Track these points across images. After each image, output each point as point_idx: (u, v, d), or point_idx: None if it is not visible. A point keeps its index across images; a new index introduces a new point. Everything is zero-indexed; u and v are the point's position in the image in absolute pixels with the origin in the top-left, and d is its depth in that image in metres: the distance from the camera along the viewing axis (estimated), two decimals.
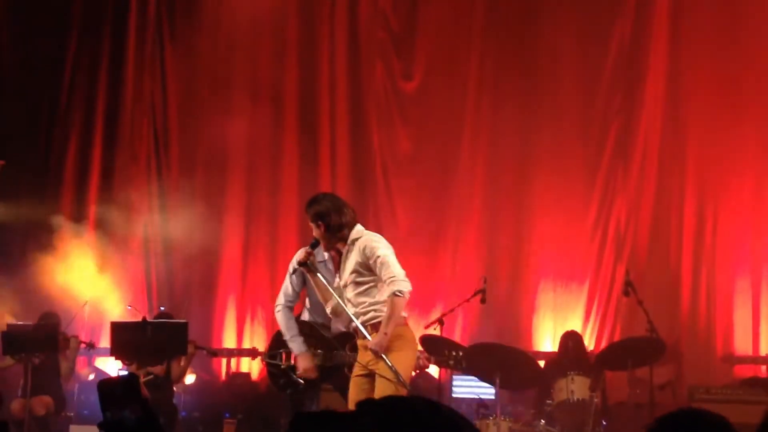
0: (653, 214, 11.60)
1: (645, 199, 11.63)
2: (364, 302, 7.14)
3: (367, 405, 2.31)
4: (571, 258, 11.71)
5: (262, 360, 8.69)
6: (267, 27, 12.79)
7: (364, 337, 7.09)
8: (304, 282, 7.77)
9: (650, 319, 9.42)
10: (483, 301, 10.04)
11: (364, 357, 7.18)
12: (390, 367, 6.91)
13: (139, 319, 9.84)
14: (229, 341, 12.36)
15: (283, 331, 7.82)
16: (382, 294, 7.08)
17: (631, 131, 11.73)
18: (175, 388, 10.59)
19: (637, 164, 11.69)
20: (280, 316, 7.83)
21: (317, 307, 7.77)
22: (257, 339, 12.26)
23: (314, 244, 7.32)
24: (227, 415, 11.15)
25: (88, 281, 11.88)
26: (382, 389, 7.02)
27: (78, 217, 12.32)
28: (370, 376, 7.16)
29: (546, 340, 11.58)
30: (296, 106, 12.65)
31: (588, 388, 9.30)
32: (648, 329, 9.45)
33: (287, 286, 7.83)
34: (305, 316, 7.97)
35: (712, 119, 11.49)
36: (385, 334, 6.95)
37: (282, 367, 7.84)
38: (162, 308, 11.08)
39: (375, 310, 7.11)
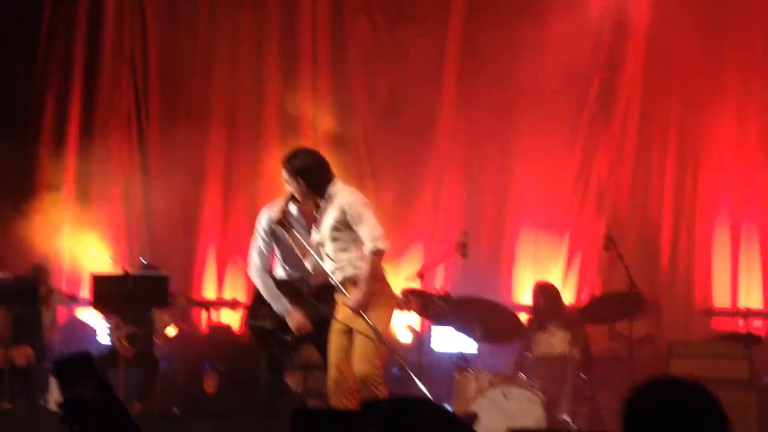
0: (634, 167, 11.62)
1: (626, 152, 11.64)
2: (342, 258, 7.14)
3: (370, 405, 2.32)
4: (552, 211, 11.73)
5: (245, 324, 8.59)
6: None
7: (343, 293, 7.11)
8: (273, 241, 7.70)
9: (630, 274, 9.45)
10: (464, 255, 10.05)
11: (341, 313, 7.20)
12: (371, 325, 6.93)
13: (119, 271, 9.85)
14: (210, 292, 12.36)
15: (263, 292, 7.71)
16: (360, 250, 7.09)
17: (613, 85, 11.73)
18: (156, 340, 10.61)
19: (619, 118, 11.70)
20: (257, 279, 7.73)
21: (291, 262, 7.69)
22: (238, 290, 12.27)
23: (290, 200, 7.28)
24: (208, 366, 11.17)
25: (69, 234, 11.86)
26: (361, 346, 7.04)
27: (57, 169, 12.26)
28: (349, 332, 7.17)
29: (526, 292, 11.59)
30: (278, 59, 12.57)
31: (568, 342, 9.34)
32: (628, 283, 9.48)
33: (260, 249, 7.69)
34: (279, 272, 7.84)
35: (693, 73, 11.48)
36: (364, 291, 6.96)
37: (268, 328, 7.78)
38: (143, 260, 11.05)
39: (354, 267, 7.12)
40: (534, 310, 10.29)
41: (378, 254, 7.01)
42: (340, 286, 7.09)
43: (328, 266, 7.15)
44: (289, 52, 12.55)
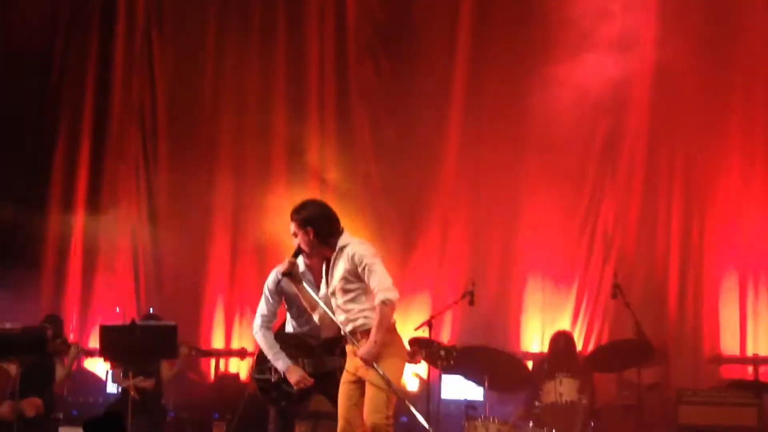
0: (640, 215, 11.62)
1: (632, 200, 11.64)
2: (353, 309, 7.14)
3: None
4: (560, 259, 11.72)
5: (251, 378, 8.58)
6: (255, 23, 12.78)
7: (354, 344, 7.12)
8: (280, 299, 7.75)
9: (638, 321, 9.45)
10: (471, 303, 10.06)
11: (352, 363, 7.20)
12: (381, 376, 6.93)
13: (128, 321, 9.87)
14: (218, 341, 12.37)
15: (265, 351, 7.73)
16: (371, 301, 7.11)
17: (619, 133, 11.74)
18: (163, 389, 10.61)
19: (625, 166, 11.71)
20: (260, 337, 7.75)
21: (300, 318, 7.76)
22: (246, 339, 12.27)
23: (296, 253, 7.27)
24: (216, 415, 11.16)
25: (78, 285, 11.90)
26: (372, 397, 7.04)
27: (66, 216, 12.32)
28: (359, 382, 7.18)
29: (534, 340, 11.61)
30: (285, 104, 12.63)
31: (576, 390, 9.33)
32: (635, 331, 9.48)
33: (264, 306, 7.74)
34: (288, 328, 7.90)
35: (699, 121, 11.48)
36: (375, 342, 6.96)
37: (273, 381, 7.81)
38: (151, 310, 11.08)
39: (365, 317, 7.13)
40: (550, 357, 10.26)
41: (388, 304, 7.01)
42: (350, 336, 7.11)
43: (338, 318, 7.17)
44: (295, 98, 12.62)
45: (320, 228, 7.17)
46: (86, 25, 12.96)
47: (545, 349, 10.98)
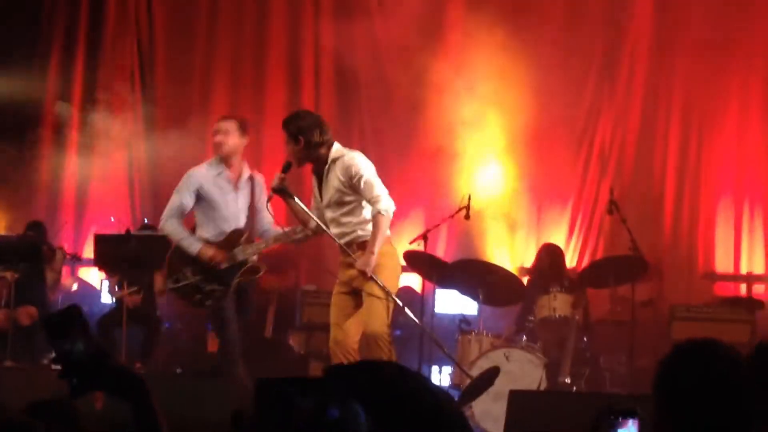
0: (638, 132, 11.58)
1: (631, 117, 11.60)
2: (349, 222, 7.16)
3: (334, 370, 2.29)
4: (556, 175, 11.70)
5: (168, 290, 8.60)
6: None
7: (348, 255, 7.12)
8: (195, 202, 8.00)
9: (633, 238, 9.44)
10: (467, 217, 10.04)
11: (345, 274, 7.21)
12: (380, 286, 6.94)
13: (122, 231, 9.86)
14: None
15: (175, 238, 7.99)
16: (367, 213, 7.09)
17: (618, 47, 11.67)
18: (158, 300, 10.64)
19: (624, 81, 11.65)
20: (169, 226, 8.03)
21: (209, 225, 8.02)
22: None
23: (286, 168, 7.28)
24: (210, 327, 11.19)
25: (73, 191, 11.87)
26: (371, 307, 7.06)
27: (61, 130, 12.25)
28: (352, 293, 7.20)
29: (529, 256, 11.60)
30: (283, 19, 12.52)
31: (570, 306, 9.36)
32: (631, 247, 9.47)
33: (182, 204, 8.03)
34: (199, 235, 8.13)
35: (700, 40, 11.40)
36: (372, 253, 6.98)
37: (191, 283, 7.84)
38: (146, 220, 11.04)
39: (361, 229, 7.14)
40: (537, 271, 10.29)
41: (385, 215, 7.03)
42: (346, 248, 7.11)
43: (333, 230, 7.16)
44: (292, 10, 12.50)
45: (310, 137, 7.16)
46: None
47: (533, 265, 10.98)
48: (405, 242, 9.79)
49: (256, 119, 12.10)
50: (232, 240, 7.95)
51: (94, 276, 11.90)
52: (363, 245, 7.09)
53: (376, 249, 7.01)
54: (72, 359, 2.73)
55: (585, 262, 11.14)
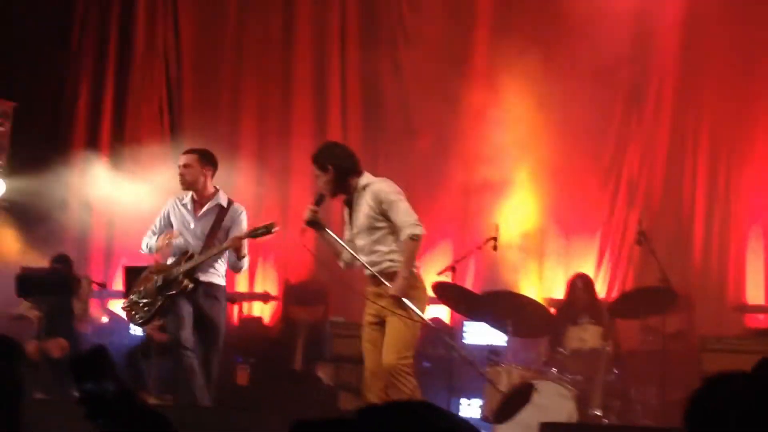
0: (667, 161, 11.55)
1: (659, 146, 11.58)
2: (379, 251, 7.17)
3: (365, 412, 2.28)
4: (584, 205, 11.68)
5: (126, 307, 8.77)
6: None
7: (377, 285, 7.11)
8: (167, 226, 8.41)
9: (663, 269, 9.39)
10: (495, 248, 10.02)
11: (374, 305, 7.20)
12: (412, 311, 6.95)
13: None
14: (242, 285, 12.37)
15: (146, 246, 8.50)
16: (396, 243, 7.09)
17: (645, 78, 11.66)
18: None
19: (652, 111, 11.63)
20: (142, 244, 8.57)
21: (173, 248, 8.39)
22: (269, 283, 12.30)
23: (318, 200, 7.34)
24: (239, 359, 11.19)
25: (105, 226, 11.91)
26: (391, 338, 7.07)
27: (91, 161, 12.31)
28: (379, 324, 7.20)
29: (557, 287, 11.57)
30: (309, 51, 12.58)
31: (600, 337, 9.31)
32: (660, 278, 9.42)
33: (153, 227, 8.59)
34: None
35: (726, 67, 11.39)
36: (404, 277, 7.00)
37: (133, 300, 8.31)
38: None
39: (390, 260, 7.15)
40: (568, 302, 10.23)
41: (415, 239, 7.05)
42: (377, 278, 7.10)
43: (363, 259, 7.17)
44: (318, 38, 12.60)
45: (340, 166, 7.25)
46: None
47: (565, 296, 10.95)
48: (433, 273, 9.77)
49: (283, 147, 12.20)
50: (178, 261, 8.33)
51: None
52: (392, 276, 7.09)
53: (407, 273, 7.07)
54: (100, 400, 2.73)
55: (614, 293, 11.08)
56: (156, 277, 8.37)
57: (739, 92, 11.36)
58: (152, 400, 9.65)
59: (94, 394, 2.75)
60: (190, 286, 8.19)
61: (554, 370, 9.22)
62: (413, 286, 7.15)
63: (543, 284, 11.65)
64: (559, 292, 11.38)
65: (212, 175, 8.50)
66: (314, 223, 7.30)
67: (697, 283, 11.22)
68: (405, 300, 7.02)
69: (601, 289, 11.15)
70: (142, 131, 12.46)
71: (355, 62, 12.48)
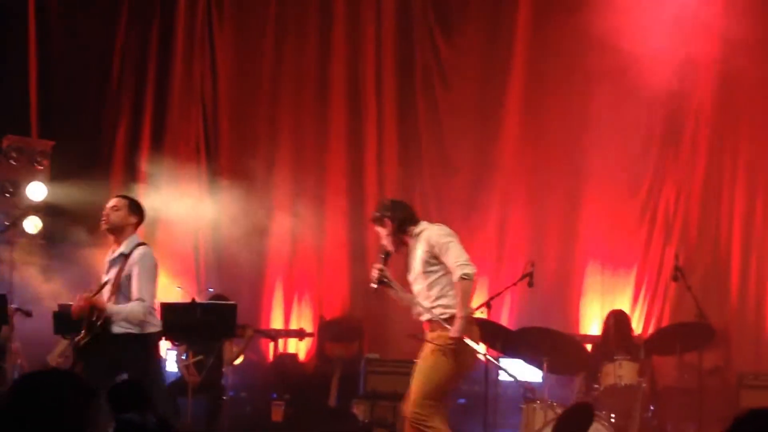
0: (702, 198, 11.53)
1: (694, 183, 11.56)
2: (432, 296, 7.37)
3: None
4: (620, 241, 11.65)
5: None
6: (314, 7, 12.77)
7: (434, 329, 7.33)
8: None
9: (699, 305, 9.34)
10: (530, 284, 10.00)
11: (428, 345, 7.38)
12: (474, 347, 7.17)
13: (188, 300, 9.91)
14: (277, 322, 12.40)
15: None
16: (450, 286, 7.24)
17: (682, 116, 11.66)
18: (224, 370, 10.66)
19: (687, 148, 11.62)
20: None
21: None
22: (304, 320, 12.31)
23: (384, 258, 7.59)
24: (274, 395, 11.20)
25: None
26: (415, 385, 7.34)
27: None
28: None
29: (593, 323, 11.53)
30: (344, 89, 12.63)
31: (636, 373, 9.25)
32: (697, 314, 9.37)
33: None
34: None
35: (762, 105, 11.38)
36: (461, 318, 7.16)
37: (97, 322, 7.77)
38: (210, 289, 11.11)
39: (443, 308, 7.27)
40: (604, 338, 10.18)
41: (467, 279, 7.19)
42: (432, 322, 7.29)
43: (424, 303, 7.36)
44: (353, 79, 12.63)
45: (395, 218, 7.52)
46: (148, 11, 12.98)
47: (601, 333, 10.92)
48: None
49: (318, 184, 12.25)
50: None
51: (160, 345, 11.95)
52: (448, 320, 7.23)
53: (464, 313, 7.19)
54: (140, 430, 2.74)
55: (651, 329, 11.03)
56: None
57: None
58: None
59: (135, 425, 2.76)
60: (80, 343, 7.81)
61: None
62: (471, 328, 7.27)
63: (579, 320, 11.61)
64: (596, 329, 11.35)
65: (136, 226, 8.06)
66: (383, 282, 7.51)
67: (734, 319, 11.16)
68: (466, 340, 7.15)
69: (637, 325, 11.10)
70: (180, 169, 12.51)
71: (391, 99, 12.55)
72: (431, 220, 7.73)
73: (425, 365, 7.31)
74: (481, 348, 7.42)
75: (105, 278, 7.94)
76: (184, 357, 10.40)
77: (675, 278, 9.77)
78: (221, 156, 12.75)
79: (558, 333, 9.81)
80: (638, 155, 11.64)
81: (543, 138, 11.90)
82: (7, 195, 11.65)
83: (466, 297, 7.22)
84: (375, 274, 7.52)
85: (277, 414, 10.93)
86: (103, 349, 7.71)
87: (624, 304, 11.30)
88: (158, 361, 8.29)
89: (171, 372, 11.33)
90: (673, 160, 11.66)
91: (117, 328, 7.74)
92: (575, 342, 9.89)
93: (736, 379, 10.09)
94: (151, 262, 7.88)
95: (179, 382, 10.29)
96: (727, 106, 11.54)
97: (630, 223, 11.65)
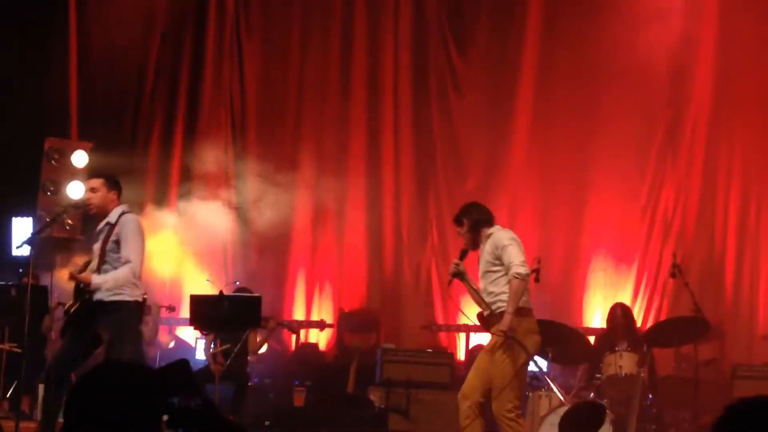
0: (700, 199, 11.59)
1: (692, 185, 11.63)
2: (493, 292, 7.51)
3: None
4: (622, 240, 11.72)
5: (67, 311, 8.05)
6: (336, 20, 12.83)
7: (494, 324, 7.46)
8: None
9: (695, 300, 9.38)
10: (537, 280, 10.02)
11: (491, 341, 7.56)
12: (521, 346, 7.29)
13: (216, 292, 9.98)
14: (299, 314, 12.47)
15: None
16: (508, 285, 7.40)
17: (680, 122, 11.74)
18: (249, 358, 10.73)
19: (685, 152, 11.68)
20: None
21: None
22: (324, 312, 12.38)
23: (462, 255, 7.72)
24: (297, 382, 11.26)
25: (172, 258, 12.03)
26: (496, 383, 7.38)
27: (161, 197, 12.47)
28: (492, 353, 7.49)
29: (596, 317, 11.60)
30: (363, 97, 12.69)
31: (636, 364, 9.28)
32: (693, 309, 9.41)
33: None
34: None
35: (757, 110, 11.41)
36: (510, 313, 7.28)
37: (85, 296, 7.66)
38: (237, 282, 11.18)
39: (499, 301, 7.42)
40: (610, 330, 10.19)
41: (519, 278, 7.33)
42: (495, 316, 7.43)
43: (487, 299, 7.50)
44: (373, 85, 12.69)
45: (472, 219, 7.68)
46: (181, 23, 13.07)
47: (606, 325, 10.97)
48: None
49: (340, 189, 12.29)
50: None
51: (189, 334, 12.05)
52: (500, 316, 7.37)
53: (512, 310, 7.29)
54: (186, 412, 2.77)
55: (650, 323, 11.06)
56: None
57: None
58: None
59: (181, 406, 2.79)
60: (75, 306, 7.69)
61: (592, 395, 9.21)
62: (520, 322, 7.36)
63: (583, 314, 11.66)
64: (598, 322, 11.40)
65: (117, 199, 7.91)
66: (458, 275, 7.61)
67: (728, 314, 11.21)
68: (512, 336, 7.26)
69: (637, 319, 11.12)
70: (209, 170, 12.58)
71: (407, 106, 12.62)
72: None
73: (493, 359, 7.40)
74: (529, 344, 7.44)
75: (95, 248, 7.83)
76: (212, 346, 10.48)
77: (673, 275, 9.79)
78: (248, 158, 12.80)
79: (563, 325, 9.86)
80: (639, 160, 11.71)
81: (550, 144, 11.97)
82: (48, 193, 11.73)
83: (516, 295, 7.31)
84: (452, 268, 7.64)
85: (299, 400, 10.99)
86: (90, 314, 7.62)
87: (625, 299, 11.33)
88: (137, 328, 8.03)
89: (199, 360, 11.43)
90: (672, 164, 11.71)
91: (101, 295, 7.60)
92: (579, 334, 9.93)
93: (730, 370, 10.12)
94: (137, 226, 7.78)
95: (207, 370, 10.37)
96: (723, 113, 11.59)
97: (631, 224, 11.71)
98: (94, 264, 7.75)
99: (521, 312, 7.40)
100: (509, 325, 7.25)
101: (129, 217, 7.77)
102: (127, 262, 7.61)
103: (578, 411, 8.07)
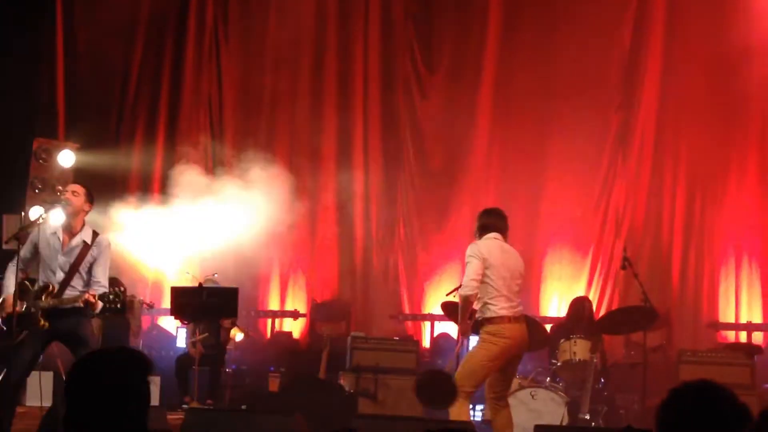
0: (648, 196, 11.65)
1: (641, 183, 11.67)
2: (480, 298, 7.53)
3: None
4: (576, 234, 11.74)
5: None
6: (309, 27, 12.76)
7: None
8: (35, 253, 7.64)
9: (644, 290, 9.38)
10: (623, 267, 10.00)
11: None
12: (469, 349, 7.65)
13: (195, 284, 9.93)
14: (274, 304, 12.42)
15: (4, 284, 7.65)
16: (490, 295, 7.48)
17: (631, 123, 11.76)
18: (227, 346, 10.68)
19: (635, 153, 11.73)
20: (7, 271, 7.64)
21: (41, 274, 7.62)
22: (298, 302, 12.34)
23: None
24: (271, 368, 11.22)
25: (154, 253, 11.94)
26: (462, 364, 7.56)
27: (144, 197, 12.36)
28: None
29: (552, 306, 11.62)
30: (334, 101, 12.65)
31: (588, 350, 9.29)
32: (642, 299, 9.41)
33: (22, 255, 7.58)
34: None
35: (703, 115, 11.47)
36: (459, 324, 7.57)
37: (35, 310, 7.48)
38: (215, 275, 11.11)
39: (483, 306, 7.52)
40: (572, 320, 10.17)
41: (461, 298, 7.45)
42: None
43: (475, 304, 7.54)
44: (343, 91, 12.66)
45: (477, 223, 7.78)
46: (162, 30, 12.99)
47: (562, 313, 10.99)
48: (442, 294, 9.79)
49: (313, 185, 12.25)
50: (39, 292, 7.57)
51: (170, 323, 11.96)
52: (486, 321, 7.46)
53: (459, 320, 7.50)
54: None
55: (602, 312, 11.07)
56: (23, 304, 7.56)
57: (714, 137, 11.44)
58: (194, 404, 9.69)
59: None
60: (46, 326, 7.43)
61: (548, 379, 9.21)
62: (486, 331, 7.43)
63: (539, 304, 11.67)
64: (554, 311, 11.42)
65: (87, 213, 7.75)
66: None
67: (675, 303, 11.28)
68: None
69: None
70: (189, 170, 12.47)
71: (376, 111, 12.60)
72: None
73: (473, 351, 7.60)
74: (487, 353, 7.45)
75: (59, 256, 7.55)
76: (191, 335, 10.42)
77: (623, 267, 9.76)
78: (225, 157, 12.73)
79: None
80: (593, 159, 11.73)
81: (509, 145, 11.97)
82: (36, 191, 11.62)
83: (461, 309, 7.43)
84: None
85: (274, 385, 10.94)
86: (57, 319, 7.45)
87: (579, 289, 11.38)
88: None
89: (180, 348, 11.35)
90: (623, 165, 11.74)
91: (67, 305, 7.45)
92: (536, 322, 9.91)
93: (676, 355, 10.13)
94: (110, 251, 7.70)
95: (187, 356, 10.31)
96: (671, 116, 11.65)
97: (585, 219, 11.74)
98: (58, 277, 7.51)
99: (492, 320, 7.43)
100: (462, 331, 7.53)
101: (105, 241, 7.67)
102: (98, 283, 7.48)
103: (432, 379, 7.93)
